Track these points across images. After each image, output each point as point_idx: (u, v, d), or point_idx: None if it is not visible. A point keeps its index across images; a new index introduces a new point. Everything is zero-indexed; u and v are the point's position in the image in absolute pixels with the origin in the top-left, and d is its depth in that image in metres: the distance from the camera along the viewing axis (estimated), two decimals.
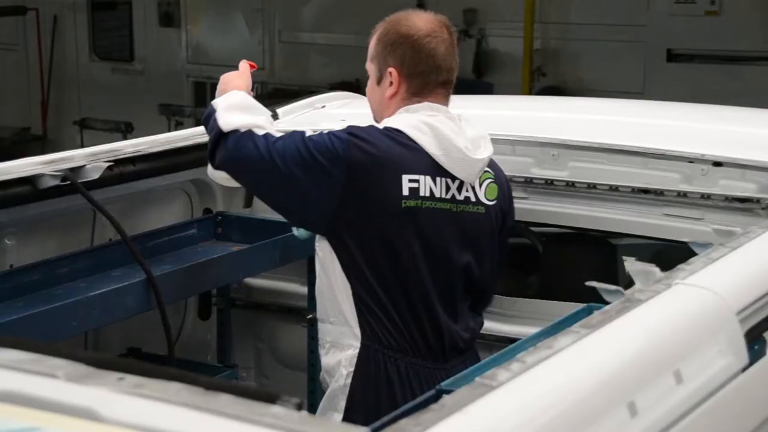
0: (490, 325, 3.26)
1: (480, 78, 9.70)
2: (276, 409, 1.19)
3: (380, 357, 2.69)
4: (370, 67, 2.87)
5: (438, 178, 2.69)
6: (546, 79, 9.37)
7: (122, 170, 3.21)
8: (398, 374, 2.70)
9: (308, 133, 2.69)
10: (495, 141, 3.29)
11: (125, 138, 9.76)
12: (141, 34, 11.92)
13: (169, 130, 9.06)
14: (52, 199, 3.04)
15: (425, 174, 2.67)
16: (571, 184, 3.26)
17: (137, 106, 11.28)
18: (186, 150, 3.43)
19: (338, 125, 3.54)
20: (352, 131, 2.67)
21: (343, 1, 10.74)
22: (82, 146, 9.74)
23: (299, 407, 1.23)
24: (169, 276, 3.23)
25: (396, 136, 2.68)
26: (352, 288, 2.70)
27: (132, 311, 3.15)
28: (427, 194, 2.67)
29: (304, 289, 3.66)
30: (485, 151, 2.77)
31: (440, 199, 2.70)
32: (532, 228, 3.60)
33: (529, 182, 3.32)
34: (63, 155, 3.12)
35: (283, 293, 3.82)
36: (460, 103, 2.85)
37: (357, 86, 9.78)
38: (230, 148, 2.67)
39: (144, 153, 3.29)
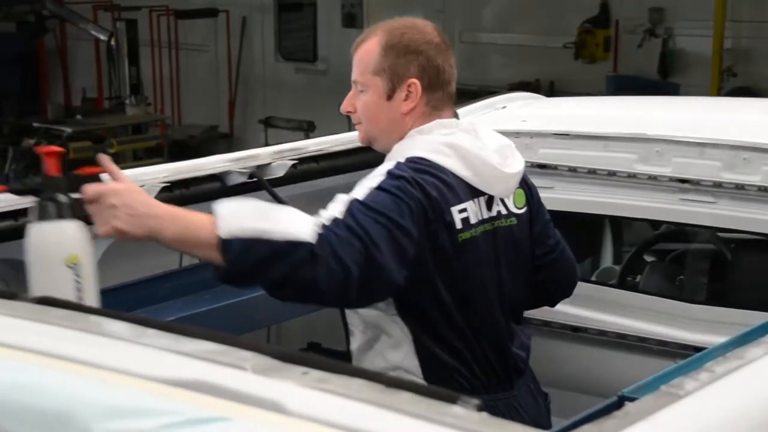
0: (675, 333, 3.17)
1: (665, 79, 9.45)
2: (456, 410, 1.18)
3: None
4: (371, 81, 2.53)
5: (475, 200, 2.48)
6: (736, 79, 9.05)
7: (306, 168, 3.27)
8: None
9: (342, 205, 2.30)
10: (681, 143, 3.24)
11: (307, 136, 9.98)
12: (324, 35, 12.16)
13: (349, 129, 9.21)
14: (238, 196, 3.12)
15: (466, 200, 2.45)
16: (763, 189, 3.13)
17: (319, 106, 11.51)
18: (368, 148, 3.47)
19: (518, 125, 3.54)
20: (392, 172, 2.35)
21: (523, 1, 10.65)
22: (267, 144, 10.01)
23: (479, 408, 1.22)
24: None
25: (427, 167, 2.40)
26: (413, 335, 2.47)
27: (313, 306, 3.22)
28: (474, 221, 2.47)
29: None
30: (517, 163, 2.56)
31: (482, 221, 2.49)
32: (720, 234, 3.48)
33: (718, 186, 3.20)
34: (250, 153, 3.21)
35: None
36: (646, 104, 2.78)
37: (536, 86, 9.71)
38: (332, 268, 2.17)
39: (327, 152, 3.35)
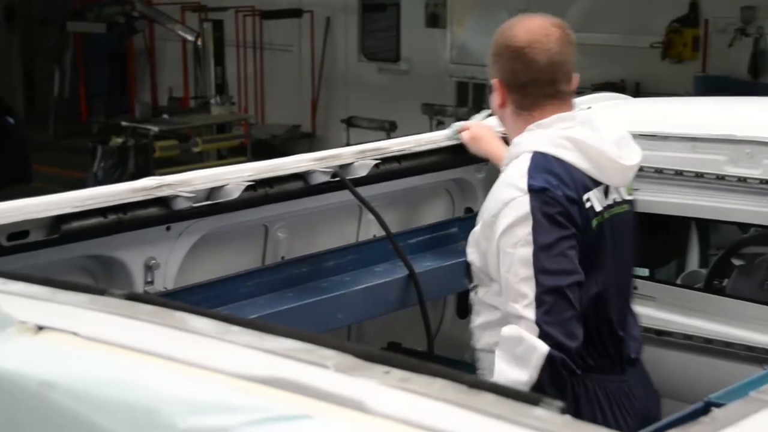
0: (763, 338, 3.11)
1: (756, 79, 9.26)
2: (539, 411, 1.17)
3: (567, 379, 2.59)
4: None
5: (596, 189, 2.60)
6: None
7: (388, 168, 3.28)
8: (585, 392, 2.63)
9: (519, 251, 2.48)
10: None
11: (389, 136, 10.01)
12: (407, 35, 12.17)
13: (431, 130, 9.21)
14: (321, 195, 3.15)
15: (590, 189, 2.58)
16: None
17: (401, 106, 11.53)
18: (449, 149, 3.47)
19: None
20: (533, 188, 2.50)
21: (609, 0, 10.53)
22: (348, 144, 10.07)
23: (563, 411, 1.20)
24: (430, 273, 3.28)
25: (548, 165, 2.54)
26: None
27: (394, 306, 3.23)
28: (599, 208, 2.59)
29: None
30: (635, 155, 2.67)
31: (603, 209, 2.62)
32: None
33: None
34: (333, 152, 3.23)
35: None
36: (736, 104, 2.72)
37: (622, 87, 9.59)
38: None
39: (409, 152, 3.35)
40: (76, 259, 2.73)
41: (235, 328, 1.25)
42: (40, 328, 1.25)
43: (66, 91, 14.22)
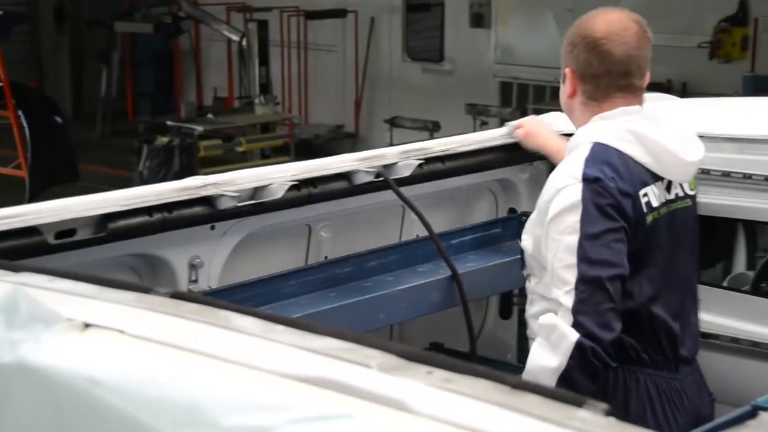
0: None
1: None
2: (583, 413, 1.16)
3: (618, 372, 2.62)
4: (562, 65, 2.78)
5: (656, 183, 2.62)
6: None
7: (431, 168, 3.28)
8: (636, 386, 2.64)
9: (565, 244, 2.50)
10: None
11: (432, 136, 10.00)
12: (452, 35, 12.16)
13: (474, 130, 9.19)
14: (364, 195, 3.15)
15: (649, 184, 2.60)
16: None
17: (444, 106, 11.52)
18: (493, 150, 3.46)
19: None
20: (587, 177, 2.52)
21: (657, 0, 10.44)
22: (391, 144, 10.07)
23: (607, 413, 1.19)
24: (473, 274, 3.27)
25: (607, 157, 2.55)
26: None
27: (436, 306, 3.23)
28: (656, 204, 2.61)
29: None
30: (697, 152, 2.67)
31: (662, 204, 2.63)
32: None
33: None
34: (377, 152, 3.23)
35: None
36: None
37: (669, 87, 9.50)
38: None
39: (453, 152, 3.35)
40: (121, 258, 2.75)
41: (279, 327, 1.25)
42: (87, 325, 1.26)
43: (113, 90, 14.36)
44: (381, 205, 3.29)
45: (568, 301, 2.43)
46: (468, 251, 3.45)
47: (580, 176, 2.51)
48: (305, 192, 2.97)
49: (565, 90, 2.72)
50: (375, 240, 3.33)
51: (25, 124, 8.56)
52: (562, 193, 2.53)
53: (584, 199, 2.49)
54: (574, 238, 2.47)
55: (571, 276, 2.45)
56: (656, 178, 2.61)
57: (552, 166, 2.88)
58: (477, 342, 3.41)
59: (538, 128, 3.37)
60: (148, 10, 13.25)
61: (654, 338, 2.65)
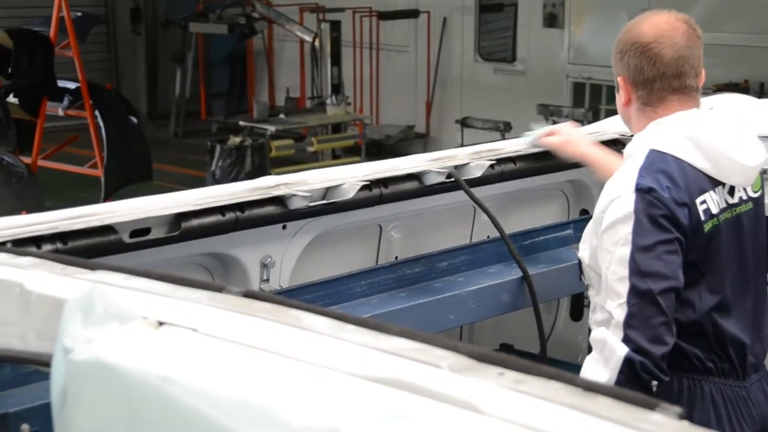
0: None
1: None
2: (656, 417, 1.15)
3: (683, 381, 2.59)
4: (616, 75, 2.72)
5: (715, 189, 2.57)
6: None
7: (503, 169, 3.26)
8: (701, 394, 2.60)
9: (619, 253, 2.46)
10: None
11: (503, 137, 9.95)
12: (524, 35, 12.10)
13: None
14: (435, 195, 3.15)
15: (707, 190, 2.55)
16: None
17: (516, 106, 11.45)
18: None
19: None
20: (640, 187, 2.47)
21: (734, 1, 10.27)
22: (462, 145, 10.05)
23: (681, 417, 1.18)
24: (544, 275, 3.25)
25: (663, 165, 2.50)
26: None
27: (506, 307, 3.21)
28: (716, 210, 2.56)
29: None
30: (758, 155, 2.61)
31: (723, 210, 2.58)
32: None
33: None
34: (448, 153, 3.22)
35: None
36: None
37: (746, 88, 9.34)
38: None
39: (524, 153, 3.33)
40: (194, 257, 2.79)
41: (349, 327, 1.25)
42: (161, 323, 1.27)
43: (187, 91, 14.55)
44: (452, 205, 3.28)
45: (620, 314, 2.40)
46: (539, 252, 3.43)
47: (633, 186, 2.47)
48: (376, 192, 2.98)
49: (620, 99, 2.68)
50: (445, 241, 3.33)
51: (101, 124, 8.71)
52: (616, 203, 2.49)
53: (636, 210, 2.44)
54: (626, 250, 2.43)
55: (623, 289, 2.41)
56: (716, 183, 2.57)
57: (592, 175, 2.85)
58: (547, 344, 3.39)
59: (576, 136, 3.27)
60: (223, 11, 13.39)
61: (720, 348, 2.60)
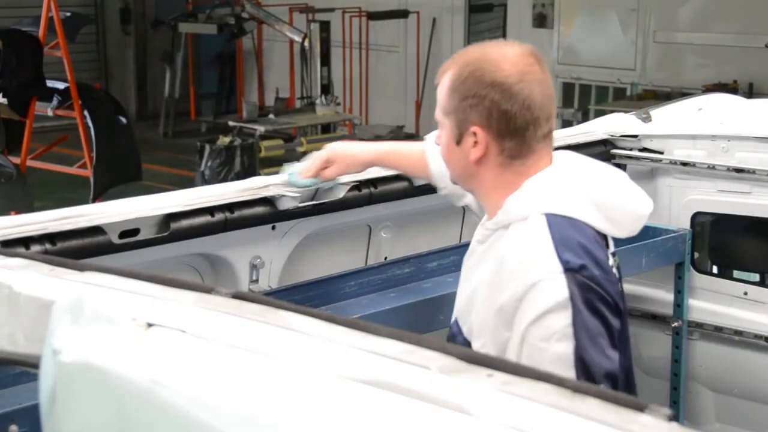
0: None
1: None
2: (645, 419, 1.15)
3: None
4: (443, 121, 2.25)
5: (607, 246, 2.21)
6: None
7: None
8: None
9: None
10: None
11: None
12: (514, 36, 12.11)
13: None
14: (425, 196, 3.15)
15: (606, 252, 2.17)
16: None
17: None
18: (558, 150, 3.43)
19: (714, 128, 3.43)
20: (570, 266, 2.04)
21: (723, 1, 10.31)
22: None
23: (670, 418, 1.18)
24: None
25: (573, 232, 2.09)
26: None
27: None
28: (615, 269, 2.21)
29: (670, 296, 3.56)
30: (647, 201, 2.26)
31: (613, 264, 2.21)
32: None
33: None
34: None
35: (647, 299, 3.72)
36: None
37: (734, 88, 9.37)
38: None
39: None
40: (184, 257, 2.78)
41: (339, 328, 1.25)
42: (150, 325, 1.27)
43: (176, 91, 14.53)
44: (441, 206, 3.28)
45: None
46: None
47: (558, 265, 2.03)
48: (366, 193, 2.98)
49: (465, 154, 2.18)
50: (435, 241, 3.33)
51: (90, 125, 8.70)
52: (539, 289, 2.02)
53: (573, 296, 2.00)
54: (564, 347, 1.99)
55: None
56: (605, 239, 2.20)
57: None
58: None
59: (346, 149, 2.79)
60: (212, 11, 13.38)
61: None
